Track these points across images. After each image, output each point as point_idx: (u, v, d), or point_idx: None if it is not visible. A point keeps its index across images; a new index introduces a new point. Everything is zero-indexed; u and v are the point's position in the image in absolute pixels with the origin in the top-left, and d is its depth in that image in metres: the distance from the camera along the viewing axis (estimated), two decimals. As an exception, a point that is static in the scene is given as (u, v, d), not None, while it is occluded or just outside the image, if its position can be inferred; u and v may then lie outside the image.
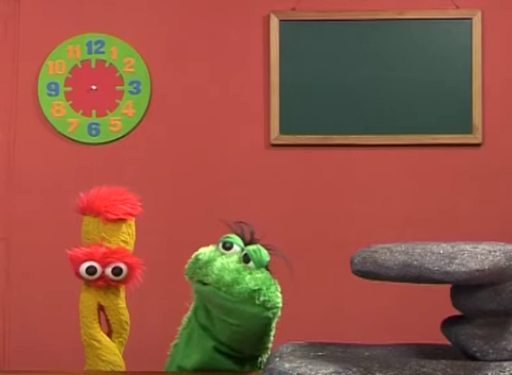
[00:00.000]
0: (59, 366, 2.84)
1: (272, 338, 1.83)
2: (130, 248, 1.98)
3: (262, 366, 1.79)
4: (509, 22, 3.36)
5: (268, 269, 1.77)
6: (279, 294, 1.74)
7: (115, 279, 1.93)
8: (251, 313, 1.70)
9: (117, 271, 1.92)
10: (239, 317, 1.71)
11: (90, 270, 1.91)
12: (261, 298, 1.69)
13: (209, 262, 1.75)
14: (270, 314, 1.71)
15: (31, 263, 3.36)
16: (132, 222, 1.99)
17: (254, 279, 1.71)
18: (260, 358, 1.83)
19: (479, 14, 3.31)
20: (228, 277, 1.71)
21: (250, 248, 1.77)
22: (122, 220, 1.96)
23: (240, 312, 1.70)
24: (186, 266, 1.82)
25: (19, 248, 3.37)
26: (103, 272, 1.92)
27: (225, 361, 1.80)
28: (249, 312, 1.70)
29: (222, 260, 1.75)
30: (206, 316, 1.79)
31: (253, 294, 1.69)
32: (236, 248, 1.79)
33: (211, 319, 1.78)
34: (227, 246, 1.79)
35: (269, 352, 1.81)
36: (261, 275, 1.73)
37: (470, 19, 3.32)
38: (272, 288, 1.72)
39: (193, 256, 1.81)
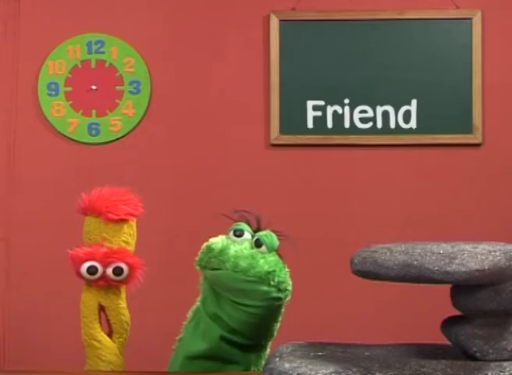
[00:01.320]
0: (59, 366, 2.83)
1: (278, 326, 1.90)
2: (131, 248, 1.98)
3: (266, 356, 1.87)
4: (509, 22, 3.36)
5: (278, 254, 1.87)
6: (289, 278, 1.85)
7: (115, 279, 1.93)
8: (266, 293, 1.79)
9: (118, 271, 1.92)
10: (254, 298, 1.80)
11: (91, 270, 1.91)
12: (276, 279, 1.80)
13: (223, 250, 1.83)
14: (282, 295, 1.82)
15: (31, 263, 3.36)
16: (133, 222, 1.99)
17: (267, 262, 1.81)
18: (264, 350, 1.90)
19: (479, 14, 3.31)
20: (243, 263, 1.80)
21: (262, 233, 1.87)
22: (124, 221, 1.96)
23: (256, 292, 1.80)
24: (198, 257, 1.88)
25: (19, 248, 3.37)
26: (104, 272, 1.92)
27: (231, 350, 1.86)
28: (264, 291, 1.79)
29: (235, 248, 1.83)
30: (216, 303, 1.86)
31: (267, 275, 1.79)
32: (246, 234, 1.87)
33: (221, 306, 1.86)
34: (238, 234, 1.87)
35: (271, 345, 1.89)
36: (274, 258, 1.83)
37: (470, 19, 3.32)
38: (284, 271, 1.84)
39: (203, 247, 1.88)
